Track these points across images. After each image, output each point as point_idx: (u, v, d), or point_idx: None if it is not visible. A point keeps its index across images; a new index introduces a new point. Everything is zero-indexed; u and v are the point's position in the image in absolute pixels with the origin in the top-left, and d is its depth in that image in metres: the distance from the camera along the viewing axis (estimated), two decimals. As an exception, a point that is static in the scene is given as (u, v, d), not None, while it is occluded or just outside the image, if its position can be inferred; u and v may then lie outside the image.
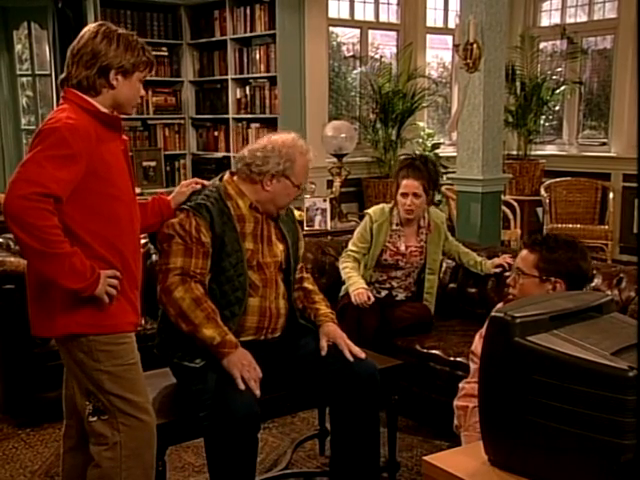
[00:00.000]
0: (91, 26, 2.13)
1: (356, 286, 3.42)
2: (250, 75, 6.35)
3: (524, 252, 2.40)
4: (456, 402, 2.43)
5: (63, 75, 2.12)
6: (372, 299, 3.38)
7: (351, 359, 2.47)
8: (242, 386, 2.25)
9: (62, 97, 2.12)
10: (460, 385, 2.46)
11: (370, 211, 3.68)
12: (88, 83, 2.06)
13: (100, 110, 2.07)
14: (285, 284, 2.58)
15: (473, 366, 2.46)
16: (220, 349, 2.30)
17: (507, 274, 3.61)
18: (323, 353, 2.50)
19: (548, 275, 2.34)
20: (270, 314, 2.52)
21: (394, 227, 3.61)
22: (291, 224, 2.66)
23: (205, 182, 2.57)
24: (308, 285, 2.73)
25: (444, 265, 3.92)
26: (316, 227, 5.00)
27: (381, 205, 3.73)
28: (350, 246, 3.63)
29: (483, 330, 2.45)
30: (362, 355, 2.50)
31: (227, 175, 2.56)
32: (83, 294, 1.99)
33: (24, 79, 6.45)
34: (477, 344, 2.46)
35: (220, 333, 2.31)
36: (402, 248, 3.60)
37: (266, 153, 2.48)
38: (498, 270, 3.64)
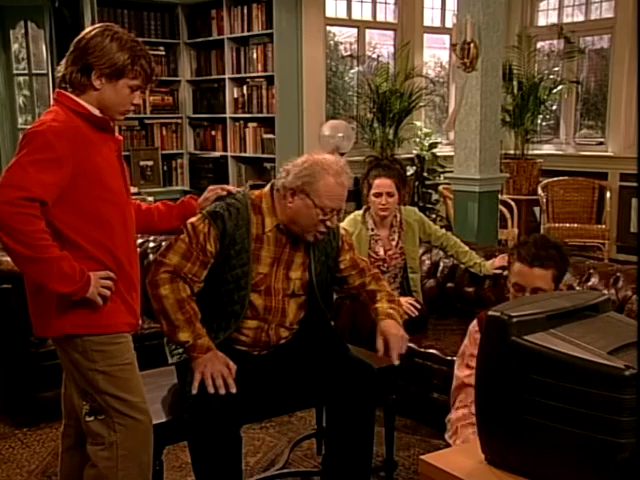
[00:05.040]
0: (98, 25, 2.12)
1: None
2: (247, 74, 6.35)
3: (538, 271, 2.29)
4: (446, 435, 2.36)
5: (57, 68, 2.11)
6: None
7: (396, 363, 2.39)
8: (194, 391, 2.20)
9: (53, 99, 2.10)
10: (446, 419, 2.38)
11: (344, 225, 3.66)
12: (70, 79, 2.04)
13: (91, 112, 2.05)
14: (300, 310, 2.51)
15: (466, 373, 2.29)
16: (191, 352, 2.28)
17: (506, 274, 3.62)
18: (379, 354, 2.41)
19: (559, 282, 2.33)
20: (267, 340, 2.47)
21: (370, 232, 3.61)
22: (328, 247, 2.52)
23: (231, 189, 2.49)
24: (372, 286, 2.60)
25: (441, 264, 3.92)
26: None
27: (352, 215, 3.72)
28: None
29: (471, 327, 2.42)
30: (396, 362, 2.41)
31: (267, 188, 2.46)
32: (74, 297, 1.98)
33: (21, 78, 6.43)
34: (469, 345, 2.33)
35: (195, 337, 2.28)
36: (381, 253, 3.62)
37: (293, 167, 2.37)
38: (498, 272, 3.65)
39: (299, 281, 2.47)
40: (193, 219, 2.37)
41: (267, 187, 2.46)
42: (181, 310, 2.29)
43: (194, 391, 2.20)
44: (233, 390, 2.22)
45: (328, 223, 2.36)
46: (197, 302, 2.36)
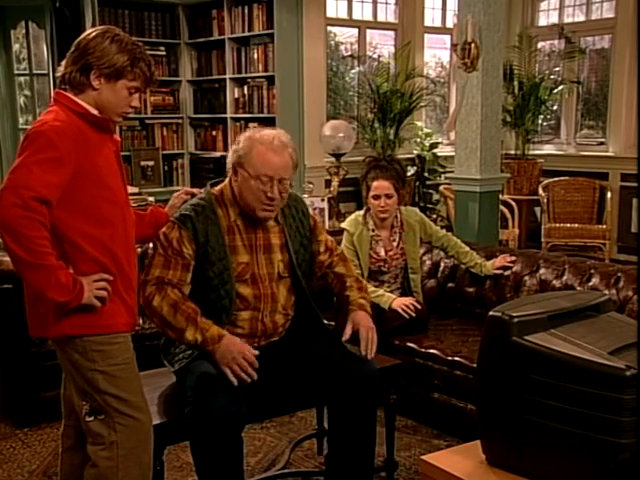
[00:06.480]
0: (99, 27, 2.13)
1: (392, 298, 3.47)
2: (248, 75, 6.35)
3: None
4: None
5: (58, 69, 2.11)
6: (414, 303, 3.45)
7: (363, 352, 2.42)
8: (235, 382, 2.24)
9: (53, 99, 2.10)
10: None
11: (345, 226, 3.67)
12: (70, 78, 2.05)
13: (90, 112, 2.05)
14: (290, 294, 2.53)
15: None
16: (205, 348, 2.29)
17: (507, 274, 3.63)
18: (344, 338, 2.45)
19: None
20: (264, 328, 2.48)
21: (371, 233, 3.62)
22: (300, 227, 2.56)
23: (195, 191, 2.55)
24: (340, 269, 2.65)
25: (442, 265, 3.92)
26: (314, 227, 4.99)
27: (353, 215, 3.72)
28: None
29: None
30: (369, 356, 2.43)
31: (227, 179, 2.51)
32: (69, 306, 1.98)
33: (22, 78, 6.44)
34: None
35: (202, 332, 2.29)
36: (382, 253, 3.62)
37: (233, 146, 2.46)
38: (499, 272, 3.64)
39: (281, 263, 2.50)
40: (163, 229, 2.41)
41: (227, 179, 2.51)
42: (178, 312, 2.31)
43: (235, 382, 2.24)
44: (255, 378, 2.26)
45: (269, 194, 2.37)
46: None
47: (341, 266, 2.66)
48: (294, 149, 2.48)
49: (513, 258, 3.66)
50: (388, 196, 3.54)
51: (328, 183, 5.79)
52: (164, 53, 6.60)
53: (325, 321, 2.61)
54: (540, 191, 6.80)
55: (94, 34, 2.06)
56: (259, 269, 2.46)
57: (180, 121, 6.87)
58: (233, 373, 2.25)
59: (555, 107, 7.52)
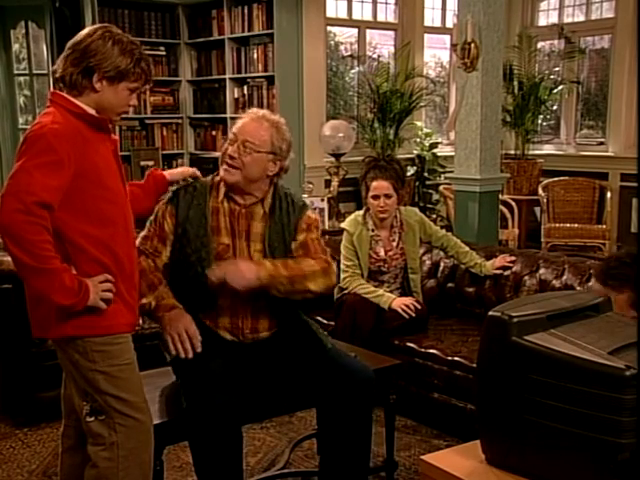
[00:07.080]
0: (95, 26, 2.12)
1: (391, 298, 3.47)
2: (248, 75, 6.35)
3: (616, 296, 2.16)
4: None
5: (53, 68, 2.10)
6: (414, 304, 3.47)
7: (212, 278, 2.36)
8: (173, 351, 2.30)
9: (49, 99, 2.08)
10: None
11: (345, 226, 3.67)
12: (71, 80, 2.03)
13: (87, 112, 2.05)
14: None
15: None
16: (155, 313, 2.36)
17: (506, 274, 3.63)
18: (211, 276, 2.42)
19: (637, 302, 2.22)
20: (244, 315, 2.48)
21: (371, 233, 3.62)
22: (287, 222, 2.52)
23: (201, 178, 2.60)
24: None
25: (442, 265, 3.92)
26: (314, 226, 4.99)
27: (353, 215, 3.73)
28: (346, 266, 3.59)
29: None
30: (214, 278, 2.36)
31: None
32: (75, 309, 1.98)
33: (21, 78, 6.43)
34: None
35: (158, 299, 2.37)
36: (382, 253, 3.62)
37: None
38: (499, 272, 3.64)
39: (258, 253, 2.49)
40: (157, 204, 2.51)
41: None
42: (143, 278, 2.37)
43: (173, 353, 2.31)
44: (198, 350, 2.31)
45: (228, 151, 2.44)
46: (171, 284, 2.45)
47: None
48: (279, 131, 2.48)
49: (513, 258, 3.66)
50: (387, 196, 3.55)
51: (328, 183, 5.79)
52: (164, 53, 6.60)
53: (325, 321, 2.61)
54: (540, 191, 6.80)
55: (94, 36, 2.04)
56: (240, 254, 2.47)
57: (180, 121, 6.87)
58: (172, 341, 2.31)
59: (555, 107, 7.52)
